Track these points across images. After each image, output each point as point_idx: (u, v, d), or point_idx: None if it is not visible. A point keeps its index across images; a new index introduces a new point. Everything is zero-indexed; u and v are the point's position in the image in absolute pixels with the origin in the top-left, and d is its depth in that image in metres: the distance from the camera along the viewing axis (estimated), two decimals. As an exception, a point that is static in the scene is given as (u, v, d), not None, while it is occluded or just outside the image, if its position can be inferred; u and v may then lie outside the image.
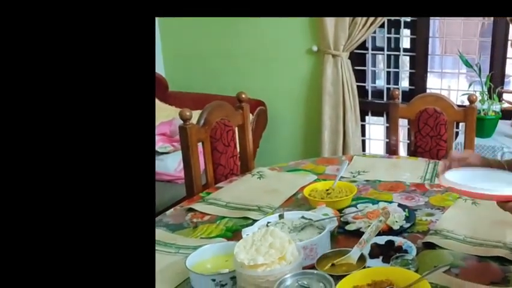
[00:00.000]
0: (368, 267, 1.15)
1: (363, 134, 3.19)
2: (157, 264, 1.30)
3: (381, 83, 3.20)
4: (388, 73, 3.16)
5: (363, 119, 3.15)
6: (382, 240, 1.30)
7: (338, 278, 1.08)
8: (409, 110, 2.13)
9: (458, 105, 2.14)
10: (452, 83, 3.61)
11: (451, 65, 3.61)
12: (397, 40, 3.10)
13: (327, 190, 1.65)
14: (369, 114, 3.20)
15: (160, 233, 1.50)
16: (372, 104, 3.16)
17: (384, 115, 3.13)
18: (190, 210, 1.65)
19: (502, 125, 2.54)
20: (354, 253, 1.19)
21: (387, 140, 3.23)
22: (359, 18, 2.81)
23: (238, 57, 3.30)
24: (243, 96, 2.19)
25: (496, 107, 2.48)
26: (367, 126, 3.23)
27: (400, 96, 3.02)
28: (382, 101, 3.13)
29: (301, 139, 3.27)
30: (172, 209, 1.68)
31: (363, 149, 3.21)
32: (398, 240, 1.31)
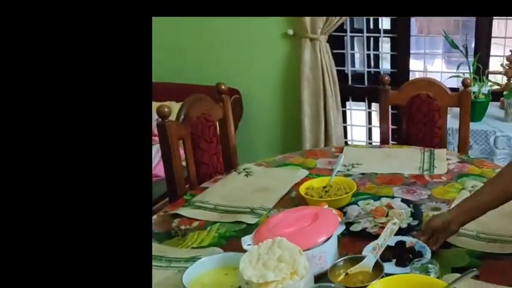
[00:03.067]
0: (385, 273, 1.09)
1: (344, 120, 3.14)
2: (147, 281, 1.22)
3: (360, 66, 3.15)
4: (368, 56, 3.10)
5: (343, 105, 3.09)
6: (392, 241, 1.23)
7: (355, 290, 1.01)
8: (400, 96, 2.07)
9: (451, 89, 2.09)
10: (428, 66, 3.60)
11: (428, 47, 3.58)
12: (376, 21, 3.04)
13: (325, 187, 1.58)
14: (350, 99, 3.14)
15: (147, 245, 1.39)
16: (352, 89, 3.10)
17: (366, 100, 3.08)
18: (176, 215, 1.56)
19: (491, 108, 2.52)
20: (369, 260, 1.12)
21: (369, 126, 3.20)
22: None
23: (209, 42, 3.17)
24: (223, 87, 2.08)
25: (485, 89, 2.46)
26: (348, 113, 3.17)
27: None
28: (363, 86, 3.07)
29: (280, 128, 3.19)
30: (155, 216, 1.58)
31: (345, 136, 3.15)
32: (409, 240, 1.25)
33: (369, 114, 3.14)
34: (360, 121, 3.23)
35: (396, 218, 1.17)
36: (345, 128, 3.15)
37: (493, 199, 1.21)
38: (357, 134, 3.26)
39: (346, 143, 3.10)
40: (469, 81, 1.96)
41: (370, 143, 3.20)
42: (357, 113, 3.21)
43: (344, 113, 3.14)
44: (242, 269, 1.03)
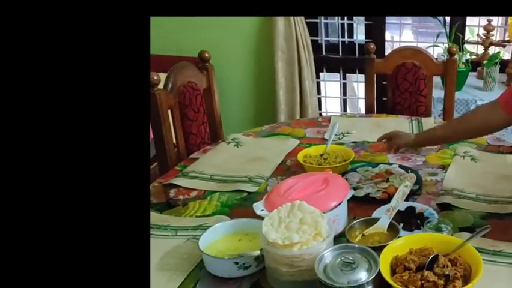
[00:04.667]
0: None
1: (318, 92, 3.20)
2: (157, 250, 1.25)
3: (334, 36, 3.20)
4: (342, 26, 3.16)
5: (317, 76, 3.15)
6: (402, 206, 1.31)
7: (373, 250, 1.08)
8: (385, 65, 2.15)
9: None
10: (396, 37, 3.70)
11: (397, 18, 3.68)
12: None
13: (322, 155, 1.64)
14: (324, 70, 3.20)
15: (148, 215, 1.42)
16: (326, 59, 3.16)
17: (340, 71, 3.15)
18: (171, 186, 1.58)
19: (469, 78, 2.63)
20: (383, 221, 1.19)
21: (345, 98, 3.28)
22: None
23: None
24: (206, 55, 2.10)
25: (465, 58, 2.57)
26: (322, 84, 3.24)
27: (357, 50, 3.09)
28: (337, 56, 3.14)
29: (253, 100, 3.22)
30: (150, 186, 1.60)
31: (319, 108, 3.22)
32: (419, 206, 1.33)
33: (344, 85, 3.22)
34: (334, 92, 3.31)
35: (408, 181, 1.24)
36: (319, 100, 3.22)
37: (444, 136, 1.54)
38: (331, 106, 3.34)
39: (320, 115, 3.18)
40: (454, 49, 2.06)
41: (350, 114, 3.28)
42: (330, 84, 3.28)
43: (318, 84, 3.20)
44: (266, 232, 1.07)
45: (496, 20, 2.88)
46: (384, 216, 1.19)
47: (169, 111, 1.83)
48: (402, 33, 4.33)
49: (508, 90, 1.39)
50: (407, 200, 1.37)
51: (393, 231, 1.17)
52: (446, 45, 2.53)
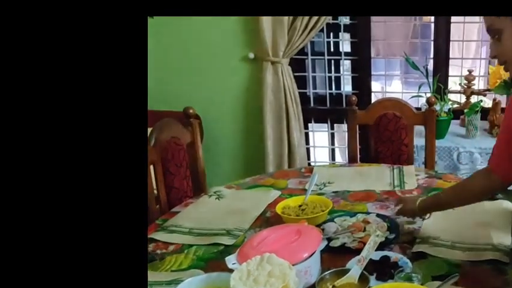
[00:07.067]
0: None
1: (306, 142, 3.23)
2: (129, 306, 1.23)
3: (322, 88, 3.26)
4: (329, 78, 3.22)
5: (305, 127, 3.19)
6: (377, 256, 1.30)
7: (343, 302, 1.06)
8: (367, 116, 2.18)
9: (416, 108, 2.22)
10: (385, 86, 3.76)
11: (383, 68, 3.76)
12: (336, 44, 3.17)
13: (300, 206, 1.63)
14: (312, 121, 3.24)
15: (124, 270, 1.40)
16: (314, 110, 3.20)
17: (328, 121, 3.19)
18: (150, 240, 1.57)
19: (452, 126, 2.67)
20: (355, 272, 1.18)
21: (333, 147, 3.30)
22: (299, 22, 2.83)
23: (167, 67, 3.21)
24: (191, 111, 2.13)
25: (447, 107, 2.61)
26: (310, 134, 3.27)
27: (344, 101, 3.13)
28: (325, 107, 3.19)
29: (242, 152, 3.24)
30: (129, 242, 1.59)
31: (308, 158, 3.24)
32: (394, 255, 1.32)
33: (332, 135, 3.25)
34: (323, 142, 3.33)
35: (379, 231, 1.24)
36: (308, 150, 3.24)
37: (447, 203, 1.47)
38: (319, 155, 3.36)
39: (309, 164, 3.19)
40: (433, 99, 2.09)
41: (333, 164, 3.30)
42: (319, 134, 3.31)
43: (307, 135, 3.23)
44: (233, 286, 1.06)
45: (478, 70, 2.94)
46: (355, 266, 1.18)
47: (151, 166, 1.84)
48: (391, 84, 4.43)
49: (494, 154, 1.38)
50: (382, 249, 1.36)
51: (364, 281, 1.16)
52: (428, 95, 2.57)
